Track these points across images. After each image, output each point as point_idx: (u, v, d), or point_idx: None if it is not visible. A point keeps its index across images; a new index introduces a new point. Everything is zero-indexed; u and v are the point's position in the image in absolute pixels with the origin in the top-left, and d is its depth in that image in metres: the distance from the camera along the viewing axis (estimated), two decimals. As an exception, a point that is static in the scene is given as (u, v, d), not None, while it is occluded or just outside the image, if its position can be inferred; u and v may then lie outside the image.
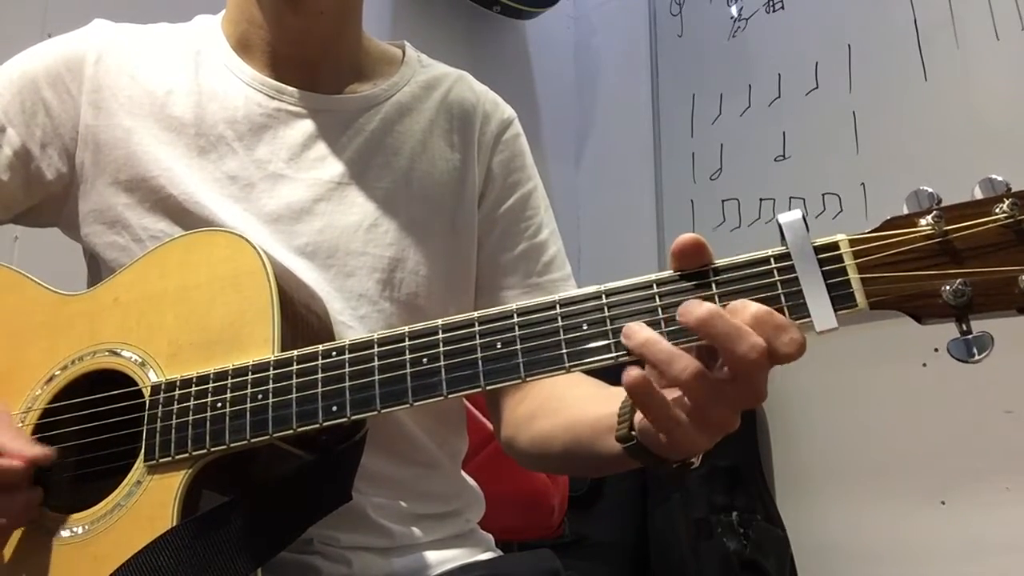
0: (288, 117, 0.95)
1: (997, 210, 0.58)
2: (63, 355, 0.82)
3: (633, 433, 0.69)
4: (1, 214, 0.94)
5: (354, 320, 0.90)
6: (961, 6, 2.04)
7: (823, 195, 2.21)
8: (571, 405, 0.85)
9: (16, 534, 0.76)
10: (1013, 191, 0.58)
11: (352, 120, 0.97)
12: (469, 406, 1.23)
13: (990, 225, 0.58)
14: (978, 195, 0.59)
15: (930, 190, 0.60)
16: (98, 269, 0.93)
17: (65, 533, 0.75)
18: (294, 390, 0.71)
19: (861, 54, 2.21)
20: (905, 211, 0.61)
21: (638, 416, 0.68)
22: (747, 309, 0.60)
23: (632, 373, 0.61)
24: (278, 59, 0.96)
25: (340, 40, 0.98)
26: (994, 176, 0.59)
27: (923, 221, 0.59)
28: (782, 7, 2.43)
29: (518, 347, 0.66)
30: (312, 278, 0.88)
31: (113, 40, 0.96)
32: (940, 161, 1.96)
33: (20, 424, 0.80)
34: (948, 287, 0.58)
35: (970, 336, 0.58)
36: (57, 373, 0.81)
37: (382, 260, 0.92)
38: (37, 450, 0.74)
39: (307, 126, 0.95)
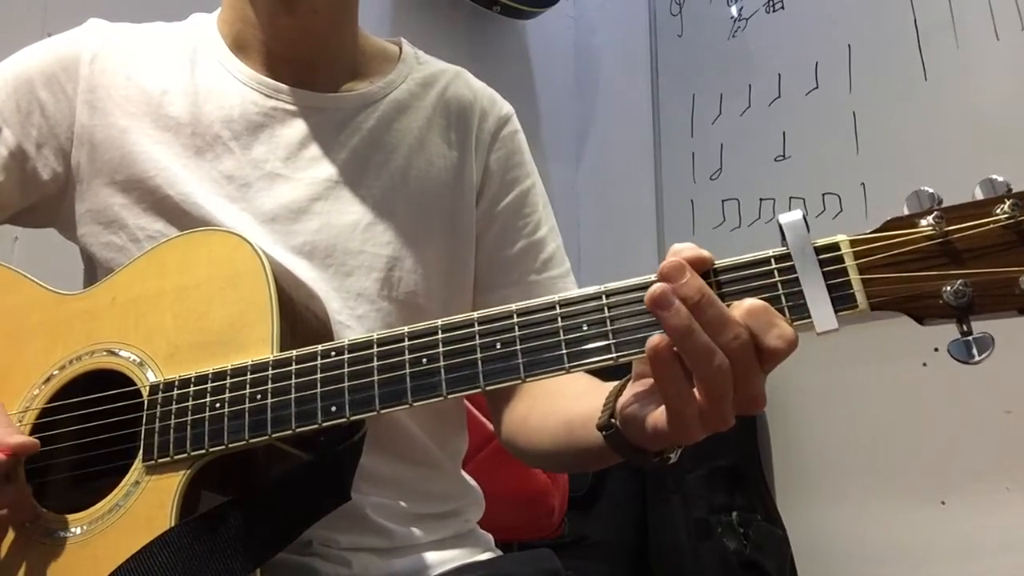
0: (284, 116, 0.95)
1: (998, 211, 0.58)
2: (61, 355, 0.81)
3: (613, 421, 0.69)
4: None
5: (352, 319, 0.90)
6: (961, 6, 2.04)
7: (823, 195, 2.21)
8: (567, 400, 0.85)
9: (14, 535, 0.76)
10: (1014, 191, 0.58)
11: (349, 119, 0.96)
12: (469, 406, 1.23)
13: (991, 226, 0.58)
14: (979, 196, 0.59)
15: (931, 190, 0.60)
16: (95, 269, 0.93)
17: (63, 533, 0.75)
18: (293, 390, 0.71)
19: (861, 54, 2.21)
20: (906, 212, 0.60)
21: (620, 402, 0.68)
22: (742, 304, 0.60)
23: (655, 338, 0.60)
24: (274, 58, 0.96)
25: (335, 38, 0.98)
26: (995, 176, 0.58)
27: (924, 222, 0.59)
28: (782, 7, 2.43)
29: (518, 347, 0.66)
30: (310, 278, 0.88)
31: (108, 40, 0.96)
32: (940, 161, 1.96)
33: (18, 424, 0.80)
34: (949, 288, 0.58)
35: (971, 337, 0.58)
36: (55, 373, 0.81)
37: (380, 259, 0.92)
38: (19, 440, 0.73)
39: (303, 125, 0.95)
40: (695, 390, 0.61)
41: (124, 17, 1.01)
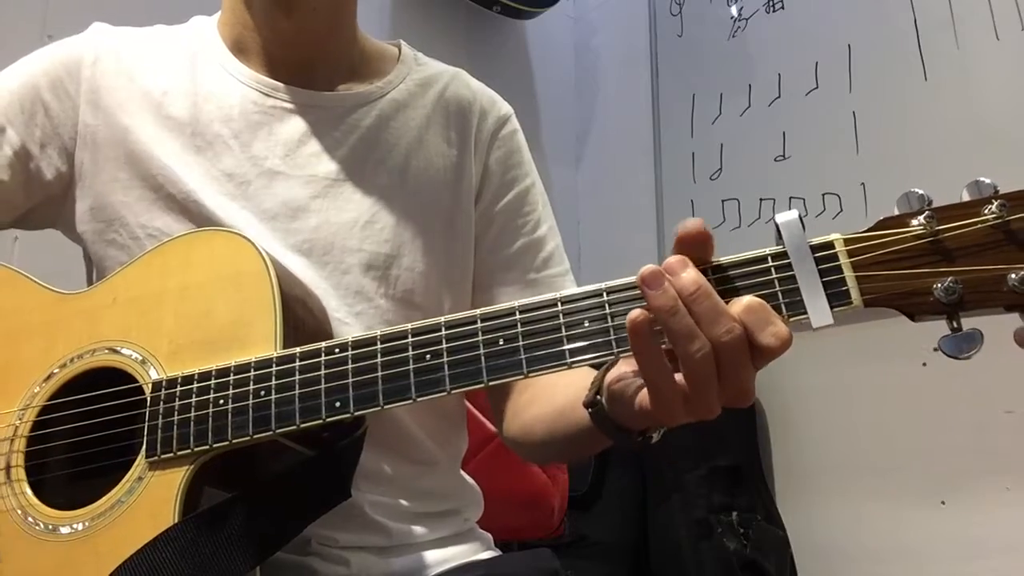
0: (283, 114, 0.95)
1: (986, 211, 0.59)
2: (62, 353, 0.82)
3: (599, 398, 0.69)
4: (2, 215, 0.95)
5: (350, 317, 0.90)
6: (961, 6, 2.04)
7: (823, 195, 2.21)
8: (562, 390, 0.86)
9: (16, 532, 0.77)
10: (1001, 193, 0.59)
11: (347, 116, 0.97)
12: (469, 406, 1.23)
13: (979, 225, 0.59)
14: (966, 198, 0.60)
15: (921, 192, 0.61)
16: (96, 268, 0.94)
17: (65, 530, 0.75)
18: (297, 386, 0.72)
19: (861, 54, 2.21)
20: (896, 212, 0.61)
21: (607, 379, 0.69)
22: (741, 300, 0.61)
23: (635, 311, 0.60)
24: (274, 60, 0.97)
25: (334, 39, 0.99)
26: (981, 179, 0.60)
27: (915, 221, 0.60)
28: (782, 7, 2.43)
29: (520, 343, 0.66)
30: (308, 275, 0.89)
31: (110, 43, 0.97)
32: (940, 161, 1.95)
33: (19, 421, 0.80)
34: (940, 285, 0.59)
35: (960, 333, 0.59)
36: (56, 371, 0.81)
37: (378, 257, 0.93)
38: None
39: (302, 122, 0.95)
40: (678, 374, 0.61)
41: (124, 19, 1.02)
